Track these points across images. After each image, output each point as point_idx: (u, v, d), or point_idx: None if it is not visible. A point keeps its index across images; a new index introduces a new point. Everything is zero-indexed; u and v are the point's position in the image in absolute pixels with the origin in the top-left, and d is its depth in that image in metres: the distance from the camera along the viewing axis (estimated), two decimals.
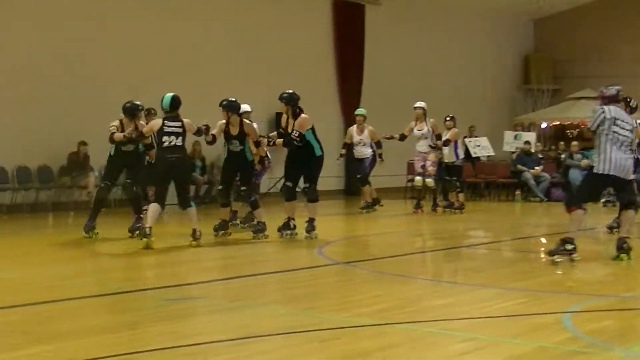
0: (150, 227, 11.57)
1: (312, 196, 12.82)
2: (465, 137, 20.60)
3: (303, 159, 12.72)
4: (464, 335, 6.45)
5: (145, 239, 11.55)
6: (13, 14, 18.50)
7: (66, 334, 6.48)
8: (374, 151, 17.84)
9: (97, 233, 12.93)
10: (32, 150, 18.17)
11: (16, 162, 18.48)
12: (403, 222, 17.16)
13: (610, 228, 13.16)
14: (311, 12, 24.79)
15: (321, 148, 12.79)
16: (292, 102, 12.62)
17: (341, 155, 18.41)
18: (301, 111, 12.58)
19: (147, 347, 5.97)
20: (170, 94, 12.02)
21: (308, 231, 12.82)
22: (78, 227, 13.32)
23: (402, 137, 17.75)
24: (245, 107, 13.75)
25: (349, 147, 18.12)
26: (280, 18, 23.48)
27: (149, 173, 13.05)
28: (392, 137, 17.67)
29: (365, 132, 17.72)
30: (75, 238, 12.92)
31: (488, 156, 23.23)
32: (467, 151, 21.45)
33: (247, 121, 13.21)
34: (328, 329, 6.55)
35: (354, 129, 17.97)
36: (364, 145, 17.76)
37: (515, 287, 8.93)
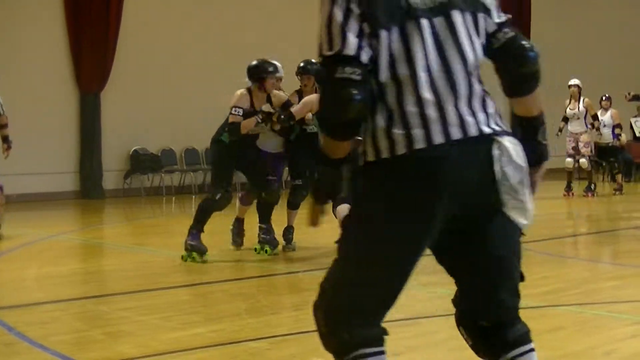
0: None
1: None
2: (636, 116, 20.03)
3: None
4: (632, 318, 6.35)
5: None
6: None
7: (233, 314, 6.58)
8: None
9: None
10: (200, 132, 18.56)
11: (184, 144, 19.03)
12: (564, 204, 16.68)
13: None
14: None
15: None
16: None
17: None
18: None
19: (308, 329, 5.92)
20: None
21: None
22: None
23: (565, 120, 17.21)
24: None
25: None
26: None
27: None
28: (561, 130, 17.17)
29: None
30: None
31: None
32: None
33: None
34: None
35: None
36: None
37: None
